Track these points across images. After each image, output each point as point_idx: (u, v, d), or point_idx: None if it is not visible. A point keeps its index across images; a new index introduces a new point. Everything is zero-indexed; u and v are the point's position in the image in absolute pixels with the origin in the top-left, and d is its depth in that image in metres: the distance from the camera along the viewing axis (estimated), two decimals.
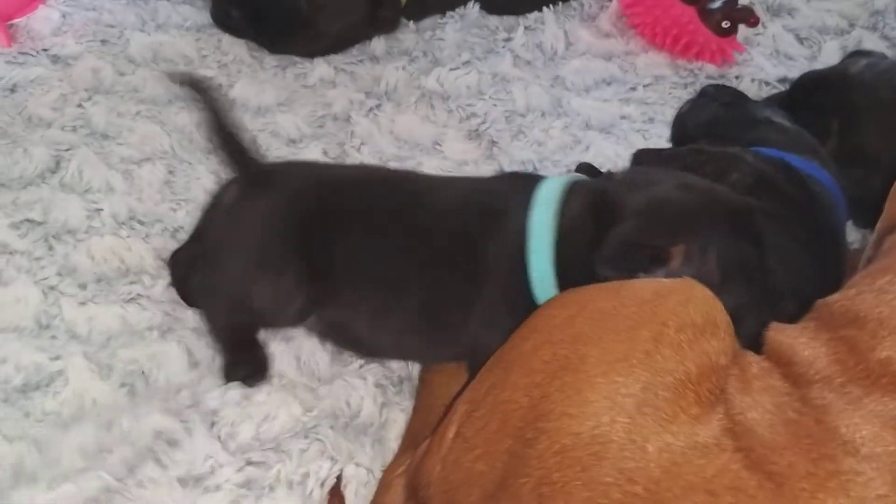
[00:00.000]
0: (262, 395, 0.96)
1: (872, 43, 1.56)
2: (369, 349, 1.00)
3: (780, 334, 0.82)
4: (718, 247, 0.89)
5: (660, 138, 1.37)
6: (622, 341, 0.76)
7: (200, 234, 1.05)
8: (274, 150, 1.27)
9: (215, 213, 1.01)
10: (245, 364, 0.98)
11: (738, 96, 1.30)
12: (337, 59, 1.44)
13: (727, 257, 0.90)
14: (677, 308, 0.79)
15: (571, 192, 0.93)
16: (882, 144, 1.25)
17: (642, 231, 0.89)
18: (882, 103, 1.25)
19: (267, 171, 0.99)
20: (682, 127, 1.31)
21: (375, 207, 0.96)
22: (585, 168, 1.22)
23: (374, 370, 1.01)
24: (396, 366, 1.03)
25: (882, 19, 1.61)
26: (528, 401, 0.75)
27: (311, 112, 1.35)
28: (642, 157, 1.13)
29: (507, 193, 0.96)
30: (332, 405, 0.97)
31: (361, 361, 1.02)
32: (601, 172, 1.15)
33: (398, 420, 0.99)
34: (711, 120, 1.25)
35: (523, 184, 0.96)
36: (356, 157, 1.27)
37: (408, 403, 1.00)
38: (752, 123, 1.21)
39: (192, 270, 1.04)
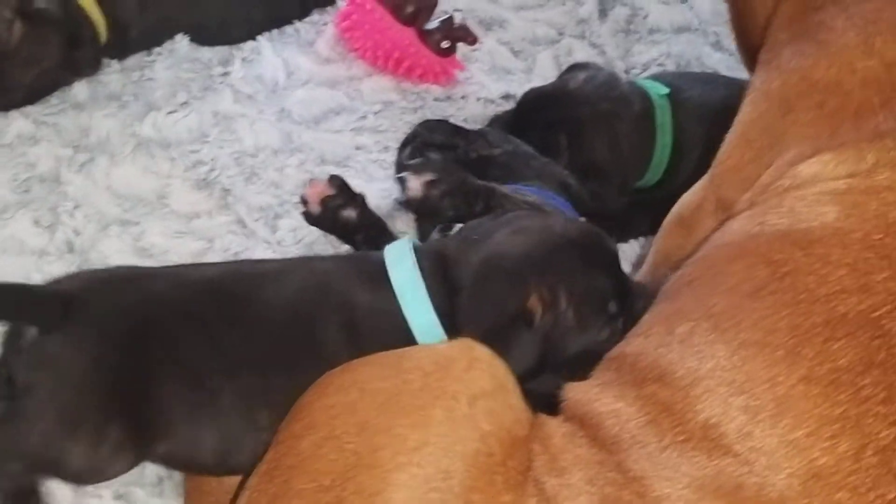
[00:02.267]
0: None
1: (583, 51, 1.62)
2: (220, 471, 0.87)
3: (580, 393, 0.78)
4: (567, 284, 0.88)
5: None
6: (415, 426, 0.71)
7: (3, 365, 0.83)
8: None
9: (14, 357, 0.81)
10: None
11: (451, 132, 1.25)
12: (34, 110, 1.27)
13: (578, 292, 0.88)
14: (463, 376, 0.75)
15: (418, 258, 0.89)
16: (609, 156, 1.30)
17: (490, 300, 0.87)
18: (603, 115, 1.30)
19: (62, 300, 0.81)
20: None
21: (202, 323, 0.83)
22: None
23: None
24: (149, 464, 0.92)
25: (588, 27, 1.66)
26: None
27: (13, 175, 1.19)
28: None
29: (343, 270, 0.90)
30: None
31: None
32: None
33: None
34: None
35: (358, 259, 0.93)
36: (71, 224, 1.13)
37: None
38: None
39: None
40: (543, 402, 0.80)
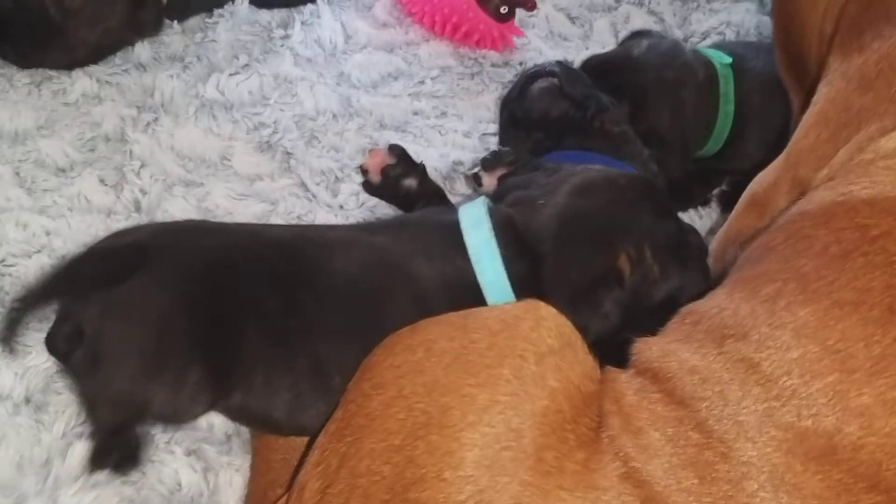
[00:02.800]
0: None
1: (641, 18, 1.60)
2: (290, 430, 0.87)
3: (652, 348, 0.78)
4: (649, 239, 0.89)
5: (455, 133, 1.34)
6: (483, 385, 0.71)
7: (69, 317, 0.83)
8: (41, 183, 1.12)
9: (88, 303, 0.80)
10: (118, 450, 0.83)
11: (587, 93, 1.21)
12: (98, 69, 1.28)
13: (660, 244, 0.90)
14: (530, 335, 0.75)
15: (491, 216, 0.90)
16: (672, 124, 1.29)
17: (577, 264, 0.88)
18: (668, 83, 1.29)
19: (139, 248, 0.82)
20: (526, 114, 1.24)
21: (281, 280, 0.84)
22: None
23: (181, 437, 0.92)
24: (218, 421, 0.94)
25: None
26: (391, 469, 0.68)
27: (79, 134, 1.20)
28: None
29: (414, 239, 0.90)
30: (147, 495, 0.88)
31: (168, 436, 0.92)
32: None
33: (233, 482, 0.90)
34: (561, 117, 1.20)
35: (430, 223, 0.93)
36: (137, 183, 1.14)
37: (241, 461, 0.92)
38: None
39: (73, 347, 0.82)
40: (612, 355, 0.80)
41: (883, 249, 0.71)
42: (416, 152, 1.26)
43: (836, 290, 0.70)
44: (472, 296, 0.87)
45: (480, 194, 1.03)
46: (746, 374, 0.69)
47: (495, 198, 0.99)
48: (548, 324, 0.77)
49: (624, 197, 0.93)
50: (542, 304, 0.79)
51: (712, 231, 1.23)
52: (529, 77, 1.24)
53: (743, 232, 0.97)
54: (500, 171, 1.09)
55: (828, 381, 0.66)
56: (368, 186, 1.19)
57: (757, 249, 0.84)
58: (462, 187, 1.23)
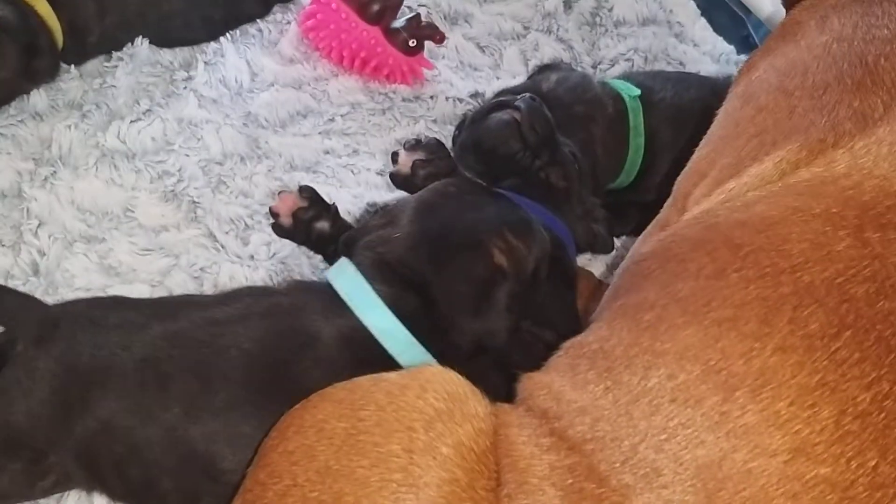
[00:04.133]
0: None
1: (549, 46, 1.60)
2: None
3: (538, 384, 0.77)
4: (504, 224, 0.95)
5: (368, 171, 1.32)
6: (374, 465, 0.69)
7: None
8: None
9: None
10: None
11: (546, 139, 1.17)
12: None
13: (512, 224, 0.96)
14: (416, 403, 0.73)
15: (365, 274, 0.92)
16: (581, 159, 1.28)
17: (461, 277, 0.92)
18: (577, 118, 1.29)
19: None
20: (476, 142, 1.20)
21: (155, 373, 0.84)
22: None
23: None
24: None
25: (555, 21, 1.65)
26: None
27: None
28: None
29: (303, 304, 0.91)
30: None
31: None
32: None
33: None
34: (508, 156, 1.16)
35: (309, 286, 0.97)
36: (35, 244, 1.09)
37: None
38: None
39: None
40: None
41: (755, 263, 0.70)
42: (329, 194, 1.24)
43: (714, 309, 0.70)
44: (370, 345, 0.88)
45: (391, 173, 1.13)
46: (632, 407, 0.68)
47: (347, 254, 1.00)
48: (434, 386, 0.75)
49: (463, 199, 0.99)
50: (426, 367, 0.78)
51: None
52: (496, 105, 1.21)
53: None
54: (418, 156, 1.12)
55: (711, 404, 0.65)
56: (279, 230, 1.16)
57: (630, 277, 0.84)
58: None
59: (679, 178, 1.00)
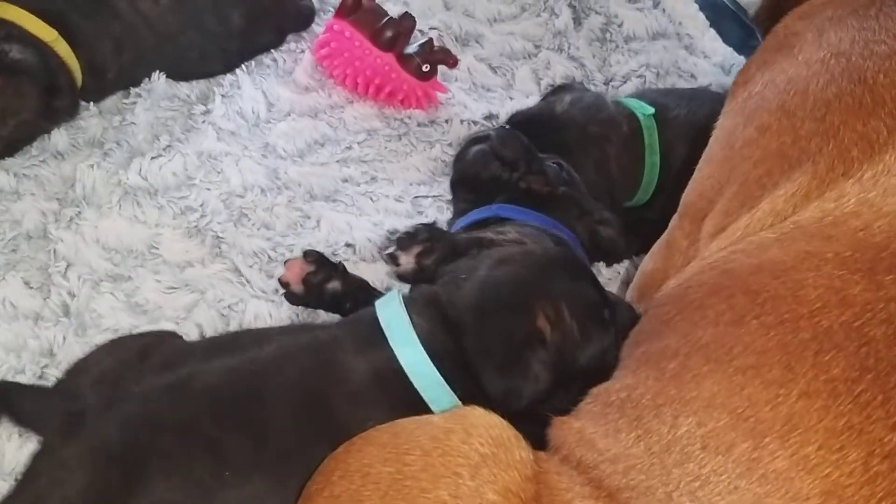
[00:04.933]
0: None
1: (561, 64, 1.61)
2: None
3: (570, 432, 0.78)
4: (566, 299, 0.91)
5: (387, 198, 1.33)
6: None
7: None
8: None
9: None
10: None
11: (521, 153, 1.22)
12: (14, 163, 1.25)
13: (578, 305, 0.92)
14: (462, 448, 0.74)
15: (410, 306, 0.92)
16: (597, 179, 1.30)
17: (498, 331, 0.90)
18: (592, 139, 1.30)
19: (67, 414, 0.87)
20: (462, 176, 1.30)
21: (203, 435, 0.84)
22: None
23: None
24: None
25: (565, 39, 1.66)
26: None
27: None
28: None
29: (339, 338, 0.91)
30: None
31: None
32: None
33: None
34: (491, 178, 1.23)
35: (352, 321, 0.95)
36: (65, 285, 1.11)
37: None
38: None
39: None
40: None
41: (773, 310, 0.72)
42: (349, 222, 1.25)
43: (737, 357, 0.71)
44: (399, 381, 0.88)
45: (398, 273, 1.09)
46: (664, 455, 0.69)
47: (431, 280, 1.00)
48: (479, 431, 0.76)
49: (539, 263, 0.97)
50: (470, 410, 0.79)
51: None
52: (470, 141, 1.28)
53: (651, 276, 1.00)
54: (416, 249, 1.09)
55: (742, 450, 0.67)
56: (292, 298, 1.14)
57: (650, 324, 0.86)
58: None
59: (685, 194, 1.02)
